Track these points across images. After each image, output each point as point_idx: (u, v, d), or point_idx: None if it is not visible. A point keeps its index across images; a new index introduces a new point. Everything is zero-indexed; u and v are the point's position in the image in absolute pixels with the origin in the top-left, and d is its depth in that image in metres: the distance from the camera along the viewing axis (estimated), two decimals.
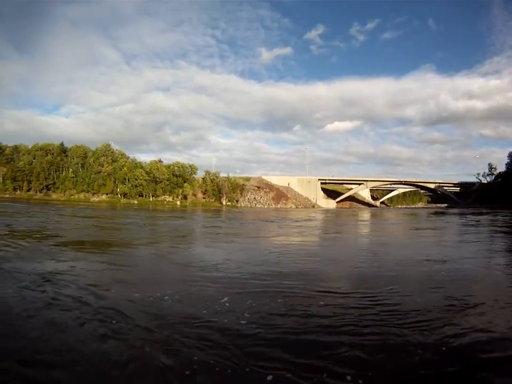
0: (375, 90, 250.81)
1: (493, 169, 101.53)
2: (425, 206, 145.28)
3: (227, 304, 5.77)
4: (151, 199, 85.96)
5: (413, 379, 3.73)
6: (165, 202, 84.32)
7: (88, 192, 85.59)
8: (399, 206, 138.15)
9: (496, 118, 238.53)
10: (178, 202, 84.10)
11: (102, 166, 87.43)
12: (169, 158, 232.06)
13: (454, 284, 7.61)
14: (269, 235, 20.06)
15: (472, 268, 9.58)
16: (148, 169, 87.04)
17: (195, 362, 3.92)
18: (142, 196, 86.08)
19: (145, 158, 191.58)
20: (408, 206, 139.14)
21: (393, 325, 4.96)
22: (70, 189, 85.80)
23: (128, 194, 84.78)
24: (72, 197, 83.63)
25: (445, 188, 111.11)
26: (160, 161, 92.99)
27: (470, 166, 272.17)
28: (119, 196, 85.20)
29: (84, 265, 8.95)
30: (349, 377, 3.61)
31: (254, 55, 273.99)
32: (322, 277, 8.14)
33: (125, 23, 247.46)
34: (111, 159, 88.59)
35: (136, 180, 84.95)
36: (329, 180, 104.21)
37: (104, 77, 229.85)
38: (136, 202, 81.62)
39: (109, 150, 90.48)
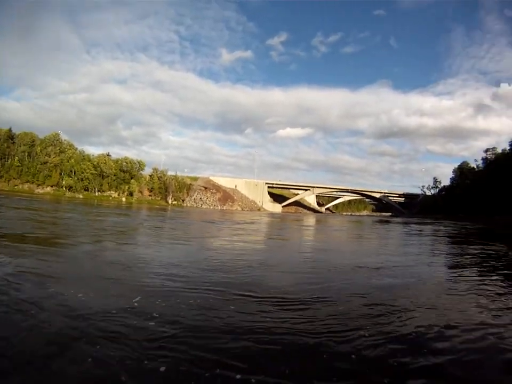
0: (330, 100, 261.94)
1: (437, 183, 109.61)
2: (369, 214, 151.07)
3: (136, 304, 5.65)
4: (96, 194, 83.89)
5: None
6: (111, 198, 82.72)
7: (33, 183, 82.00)
8: (344, 213, 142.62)
9: (445, 135, 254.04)
10: (123, 199, 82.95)
11: (49, 156, 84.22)
12: (118, 152, 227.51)
13: (381, 290, 7.65)
14: (206, 236, 19.67)
15: (405, 275, 9.64)
16: (95, 163, 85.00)
17: (91, 355, 3.92)
18: (87, 190, 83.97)
19: (94, 150, 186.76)
20: (353, 214, 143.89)
21: (302, 332, 4.86)
22: (14, 178, 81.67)
23: (74, 187, 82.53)
24: (16, 187, 79.70)
25: (390, 197, 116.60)
26: (108, 155, 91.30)
27: (415, 178, 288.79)
28: (64, 189, 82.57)
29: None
30: (239, 376, 3.66)
31: (215, 55, 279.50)
32: (247, 281, 7.97)
33: (92, 10, 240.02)
34: (59, 149, 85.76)
35: (82, 173, 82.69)
36: (276, 184, 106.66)
37: (63, 64, 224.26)
38: (81, 196, 79.37)
39: (57, 140, 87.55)
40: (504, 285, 9.12)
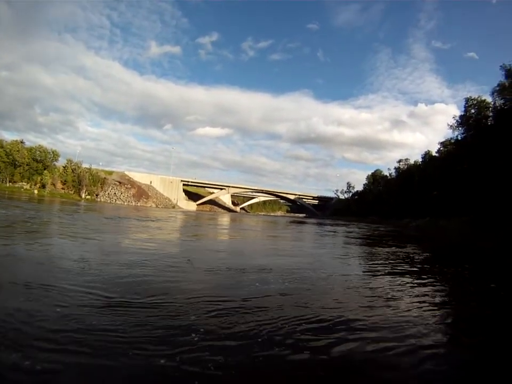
0: (252, 103, 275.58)
1: (351, 187, 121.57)
2: (284, 214, 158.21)
3: None
4: (7, 184, 78.49)
5: None
6: (22, 190, 77.59)
7: None
8: (259, 213, 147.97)
9: (361, 145, 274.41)
10: (35, 191, 78.67)
11: None
12: (32, 140, 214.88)
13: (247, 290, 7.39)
14: (105, 232, 18.64)
15: (292, 276, 9.24)
16: (8, 150, 79.47)
17: None
18: None
19: (7, 136, 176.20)
20: (268, 214, 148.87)
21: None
22: None
23: None
24: None
25: (304, 199, 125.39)
26: (22, 142, 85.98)
27: (330, 183, 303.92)
28: None
29: None
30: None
31: (143, 47, 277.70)
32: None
33: None
34: None
35: None
36: (192, 182, 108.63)
37: None
38: None
39: None
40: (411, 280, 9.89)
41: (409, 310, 6.81)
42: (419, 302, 7.51)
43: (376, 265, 12.92)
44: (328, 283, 9.12)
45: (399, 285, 9.34)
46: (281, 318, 5.73)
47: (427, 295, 8.28)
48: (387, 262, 13.87)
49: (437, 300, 8.06)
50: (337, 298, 7.45)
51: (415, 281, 9.97)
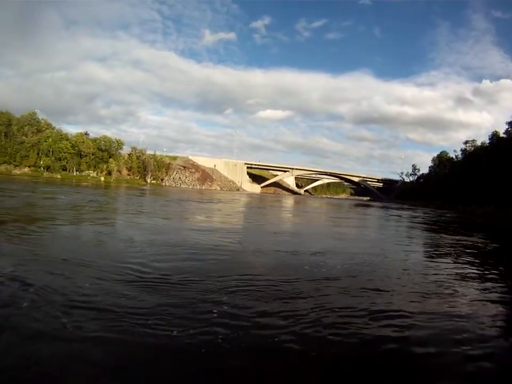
0: (311, 84, 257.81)
1: (416, 170, 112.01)
2: (348, 197, 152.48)
3: None
4: (74, 173, 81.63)
5: None
6: (89, 177, 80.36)
7: (10, 164, 78.11)
8: (323, 196, 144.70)
9: (425, 125, 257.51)
10: (102, 178, 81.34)
11: (26, 135, 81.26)
12: (96, 131, 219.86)
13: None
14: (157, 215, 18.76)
15: (342, 262, 8.79)
16: (73, 142, 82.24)
17: None
18: (65, 170, 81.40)
19: (72, 129, 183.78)
20: (331, 197, 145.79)
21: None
22: None
23: (52, 167, 79.78)
24: None
25: (368, 182, 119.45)
26: (86, 134, 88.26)
27: (394, 165, 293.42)
28: (42, 169, 79.66)
29: None
30: None
31: (197, 36, 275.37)
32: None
33: None
34: (36, 128, 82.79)
35: (60, 152, 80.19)
36: (255, 164, 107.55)
37: (39, 41, 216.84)
38: (59, 176, 76.89)
39: (34, 119, 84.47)
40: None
41: (466, 305, 6.41)
42: (478, 299, 6.87)
43: (438, 256, 12.12)
44: (382, 272, 8.54)
45: (461, 278, 8.58)
46: (319, 305, 5.54)
47: (487, 290, 7.56)
48: (451, 253, 12.77)
49: (494, 296, 7.19)
50: (385, 288, 6.99)
51: (477, 275, 9.18)
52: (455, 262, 10.68)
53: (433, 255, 12.29)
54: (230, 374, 3.58)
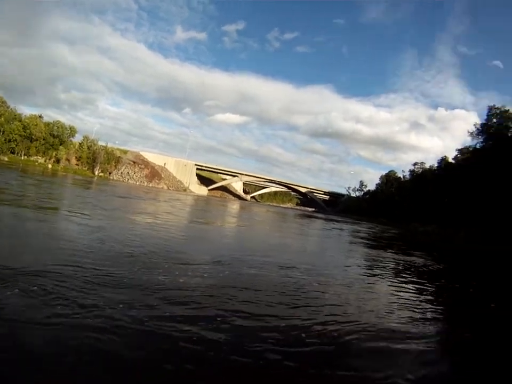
0: (274, 93, 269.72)
1: (363, 186, 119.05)
2: (293, 207, 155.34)
3: None
4: (22, 157, 79.70)
5: None
6: (36, 163, 78.71)
7: None
8: (269, 203, 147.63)
9: (377, 144, 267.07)
10: (50, 166, 79.84)
11: None
12: (52, 116, 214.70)
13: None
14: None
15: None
16: (25, 124, 79.87)
17: None
18: (13, 153, 79.25)
19: (27, 111, 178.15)
20: (277, 205, 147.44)
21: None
22: None
23: (0, 149, 76.69)
24: None
25: (315, 194, 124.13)
26: (40, 117, 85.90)
27: (343, 179, 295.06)
28: None
29: None
30: None
31: (169, 31, 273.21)
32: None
33: None
34: None
35: (11, 133, 77.67)
36: (205, 166, 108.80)
37: (11, 13, 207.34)
38: (6, 159, 74.18)
39: None
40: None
41: (396, 316, 7.46)
42: (411, 311, 8.12)
43: (376, 269, 13.14)
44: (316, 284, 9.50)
45: (398, 293, 9.76)
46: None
47: (419, 307, 8.69)
48: (390, 268, 14.02)
49: (428, 313, 8.39)
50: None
51: (415, 291, 10.37)
52: (394, 279, 11.68)
53: (371, 270, 13.02)
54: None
